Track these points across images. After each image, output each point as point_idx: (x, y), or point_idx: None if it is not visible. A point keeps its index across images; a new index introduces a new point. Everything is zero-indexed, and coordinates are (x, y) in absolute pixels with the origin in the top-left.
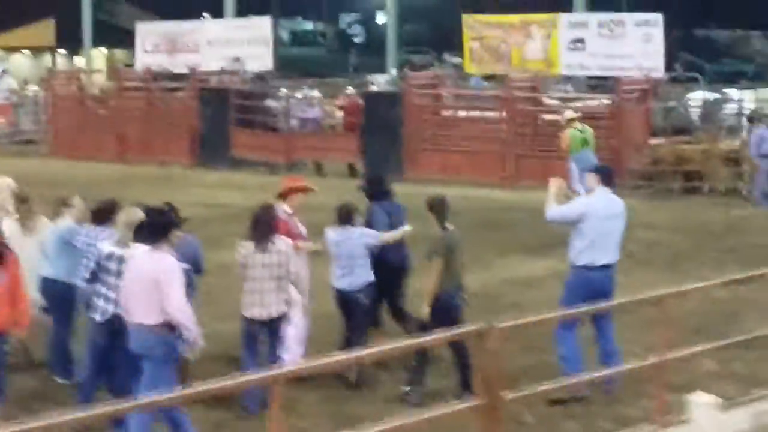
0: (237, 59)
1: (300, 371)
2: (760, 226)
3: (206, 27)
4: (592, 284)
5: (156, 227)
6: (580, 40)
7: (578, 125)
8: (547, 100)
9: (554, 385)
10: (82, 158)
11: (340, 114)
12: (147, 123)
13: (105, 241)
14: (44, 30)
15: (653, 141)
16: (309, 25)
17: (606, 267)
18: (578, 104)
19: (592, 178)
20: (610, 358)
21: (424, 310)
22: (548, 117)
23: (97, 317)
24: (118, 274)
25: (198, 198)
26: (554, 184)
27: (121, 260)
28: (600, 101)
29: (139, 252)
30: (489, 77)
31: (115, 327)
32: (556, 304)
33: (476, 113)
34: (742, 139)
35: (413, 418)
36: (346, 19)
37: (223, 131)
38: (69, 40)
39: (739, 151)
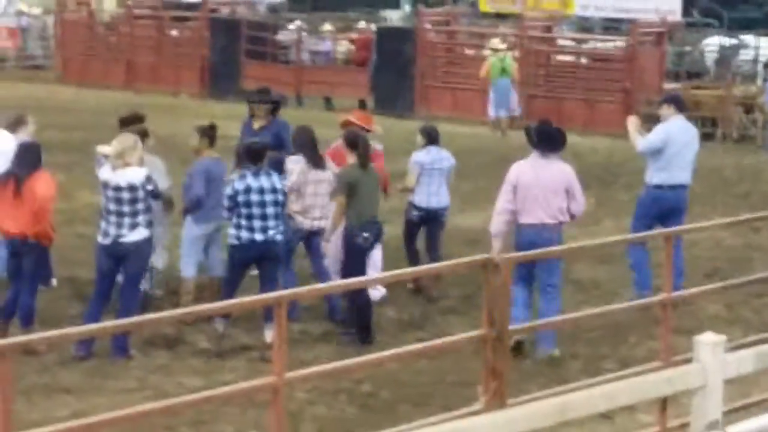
0: None
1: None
2: None
3: None
4: (665, 202)
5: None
6: None
7: (500, 55)
8: (561, 41)
9: (560, 318)
10: (91, 85)
11: (352, 48)
12: (157, 52)
13: (102, 168)
14: None
15: (667, 85)
16: None
17: (680, 187)
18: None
19: (666, 108)
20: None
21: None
22: (562, 58)
23: (100, 240)
24: (116, 200)
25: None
26: (632, 122)
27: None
28: (614, 43)
29: None
30: (503, 16)
31: (118, 251)
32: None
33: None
34: (757, 86)
35: (417, 346)
36: None
37: (234, 62)
38: None
39: (754, 98)
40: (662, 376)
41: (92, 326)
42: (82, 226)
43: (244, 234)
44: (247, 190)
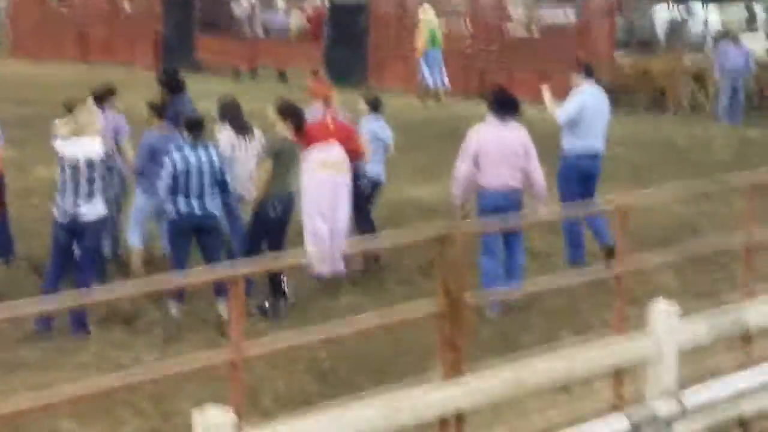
0: None
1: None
2: (722, 143)
3: None
4: (584, 171)
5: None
6: None
7: (432, 25)
8: (513, 13)
9: (516, 290)
10: (44, 58)
11: (305, 21)
12: (110, 24)
13: (59, 142)
14: None
15: (617, 55)
16: None
17: (596, 155)
18: (540, 14)
19: (576, 76)
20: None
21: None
22: (514, 31)
23: (57, 216)
24: (73, 175)
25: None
26: (546, 90)
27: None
28: (565, 13)
29: None
30: None
31: (75, 226)
32: None
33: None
34: (707, 55)
35: (373, 318)
36: None
37: (187, 35)
38: None
39: (704, 68)
40: (617, 346)
41: (48, 302)
42: (39, 200)
43: (182, 207)
44: (185, 163)
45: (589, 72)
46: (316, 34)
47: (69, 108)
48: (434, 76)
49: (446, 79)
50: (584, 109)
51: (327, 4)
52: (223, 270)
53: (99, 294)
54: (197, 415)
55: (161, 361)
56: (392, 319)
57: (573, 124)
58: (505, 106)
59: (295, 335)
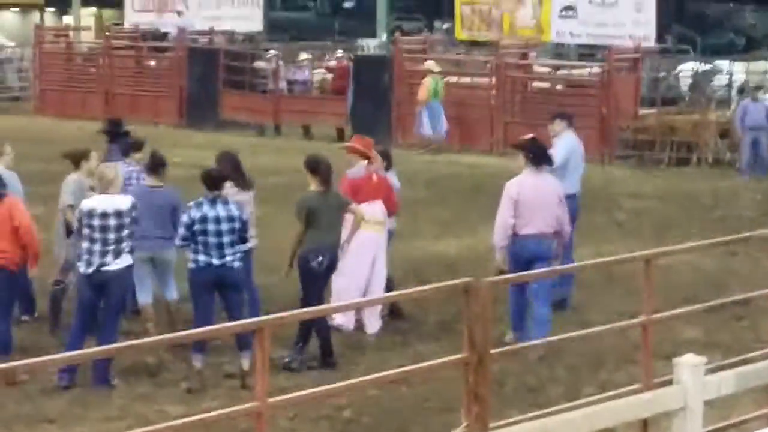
0: (180, 12)
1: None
2: (748, 198)
3: None
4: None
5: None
6: (572, 8)
7: (436, 77)
8: (537, 68)
9: (542, 341)
10: (69, 116)
11: (329, 77)
12: (135, 82)
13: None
14: None
15: (643, 111)
16: None
17: (575, 195)
18: (567, 72)
19: (558, 123)
20: None
21: (284, 269)
22: (538, 84)
23: (82, 269)
24: (102, 228)
25: (184, 158)
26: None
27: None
28: (590, 69)
29: None
30: (478, 43)
31: (100, 279)
32: None
33: (466, 80)
34: (732, 111)
35: (398, 370)
36: None
37: (212, 92)
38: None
39: (729, 123)
40: (643, 398)
41: (74, 353)
42: None
43: (201, 257)
44: (203, 219)
45: (569, 120)
46: (340, 89)
47: (74, 160)
48: (434, 126)
49: (444, 130)
50: (572, 154)
51: (351, 58)
52: (249, 321)
53: (118, 347)
54: None
55: (186, 414)
56: (418, 369)
57: (560, 169)
58: (540, 156)
59: (319, 387)
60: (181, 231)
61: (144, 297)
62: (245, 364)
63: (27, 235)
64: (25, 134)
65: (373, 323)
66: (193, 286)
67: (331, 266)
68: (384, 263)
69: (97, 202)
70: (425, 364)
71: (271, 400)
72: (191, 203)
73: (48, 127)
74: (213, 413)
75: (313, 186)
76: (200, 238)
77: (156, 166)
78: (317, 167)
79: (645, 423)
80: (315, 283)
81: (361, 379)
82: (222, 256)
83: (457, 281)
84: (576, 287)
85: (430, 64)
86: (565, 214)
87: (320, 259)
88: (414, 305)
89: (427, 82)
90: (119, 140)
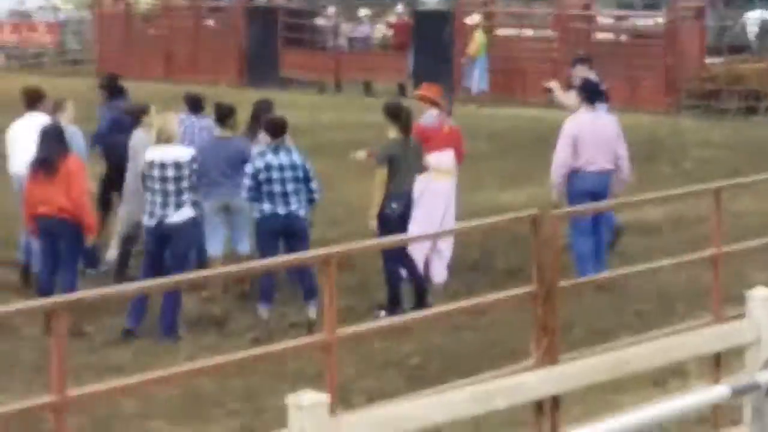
0: None
1: None
2: None
3: None
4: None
5: None
6: None
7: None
8: (600, 19)
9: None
10: (129, 77)
11: (389, 33)
12: (194, 42)
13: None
14: None
15: (709, 60)
16: None
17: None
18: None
19: (580, 67)
20: None
21: (371, 220)
22: (601, 36)
23: (146, 221)
24: (162, 179)
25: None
26: (555, 85)
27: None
28: (655, 20)
29: None
30: None
31: (163, 231)
32: None
33: (528, 32)
34: None
35: (467, 303)
36: None
37: (272, 50)
38: None
39: None
40: (716, 331)
41: (144, 283)
42: None
43: (267, 206)
44: (268, 168)
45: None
46: (401, 45)
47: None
48: (483, 81)
49: (486, 85)
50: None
51: (411, 13)
52: (317, 252)
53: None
54: (291, 397)
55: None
56: (488, 302)
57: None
58: (594, 94)
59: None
60: (246, 182)
61: (214, 248)
62: (312, 312)
63: (78, 209)
64: (87, 96)
65: (440, 272)
66: (260, 235)
67: (405, 213)
68: (453, 213)
69: (156, 153)
70: (494, 296)
71: (339, 331)
72: (255, 152)
73: None
74: (281, 345)
75: (392, 133)
76: (265, 188)
77: (223, 116)
78: (399, 114)
79: (718, 357)
80: (390, 230)
81: (430, 311)
82: (287, 203)
83: (523, 214)
84: (640, 235)
85: (476, 18)
86: (624, 150)
87: (394, 205)
88: (481, 253)
89: (477, 37)
90: (117, 96)
